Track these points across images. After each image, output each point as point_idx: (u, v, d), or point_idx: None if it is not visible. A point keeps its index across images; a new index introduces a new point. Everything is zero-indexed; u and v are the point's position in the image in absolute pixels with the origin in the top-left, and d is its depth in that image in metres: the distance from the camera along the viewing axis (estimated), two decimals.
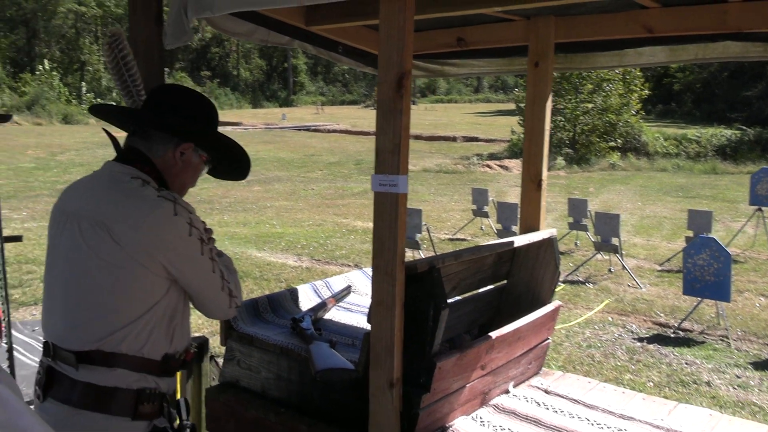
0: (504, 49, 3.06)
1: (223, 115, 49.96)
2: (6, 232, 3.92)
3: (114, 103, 2.13)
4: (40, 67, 45.21)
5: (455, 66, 3.29)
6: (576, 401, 2.56)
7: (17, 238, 4.19)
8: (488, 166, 24.64)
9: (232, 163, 2.02)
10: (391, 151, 1.98)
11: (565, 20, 2.74)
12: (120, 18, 59.92)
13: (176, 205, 1.72)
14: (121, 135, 1.88)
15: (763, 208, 10.58)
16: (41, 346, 1.82)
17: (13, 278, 7.82)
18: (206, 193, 16.46)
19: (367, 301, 2.95)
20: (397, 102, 1.96)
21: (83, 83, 50.91)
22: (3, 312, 4.02)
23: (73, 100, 45.46)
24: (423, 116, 48.37)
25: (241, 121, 43.93)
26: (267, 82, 74.82)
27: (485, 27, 2.97)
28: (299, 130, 39.55)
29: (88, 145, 27.19)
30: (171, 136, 1.82)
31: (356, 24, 2.85)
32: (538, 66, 2.78)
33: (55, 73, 45.25)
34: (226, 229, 12.02)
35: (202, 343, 2.87)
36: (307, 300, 2.89)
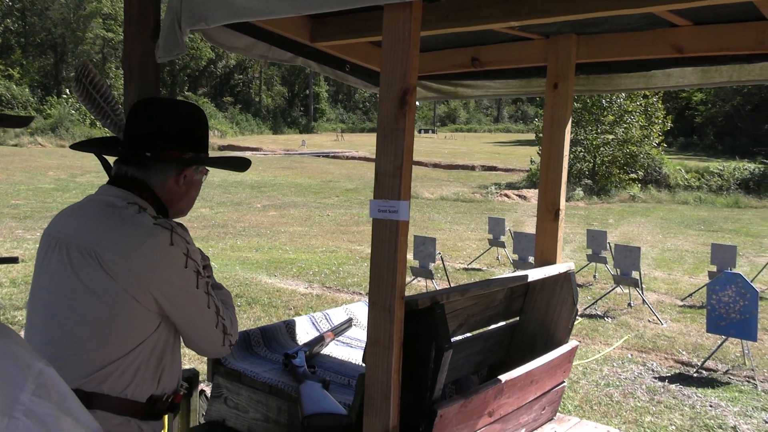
0: (521, 69, 2.88)
1: (244, 141, 50.51)
2: (18, 253, 3.79)
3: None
4: (67, 90, 45.92)
5: (470, 87, 3.12)
6: None
7: (13, 260, 4.06)
8: (506, 195, 24.42)
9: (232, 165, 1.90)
10: (392, 174, 1.80)
11: (587, 39, 2.56)
12: None
13: (173, 234, 1.58)
14: None
15: None
16: None
17: (18, 299, 7.71)
18: (221, 217, 16.37)
19: None
20: (400, 120, 1.79)
21: None
22: None
23: (97, 123, 46.04)
24: (442, 145, 48.40)
25: (260, 147, 44.22)
26: (288, 109, 75.50)
27: (501, 46, 2.80)
28: (318, 156, 39.69)
29: None
30: (172, 166, 1.69)
31: (363, 40, 2.69)
32: (557, 87, 2.60)
33: None
34: (239, 253, 11.88)
35: (192, 376, 2.68)
36: (303, 333, 2.69)
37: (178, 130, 1.71)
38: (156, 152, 1.67)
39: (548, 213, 2.65)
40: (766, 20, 2.17)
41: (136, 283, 1.52)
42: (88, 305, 1.53)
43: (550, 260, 2.63)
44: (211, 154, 1.79)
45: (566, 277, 2.50)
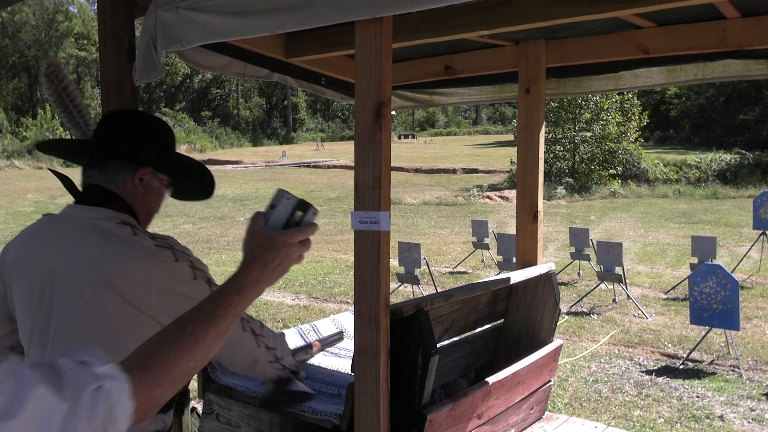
0: (494, 76, 2.94)
1: (224, 154, 50.34)
2: None
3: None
4: (41, 111, 45.60)
5: (444, 95, 3.17)
6: None
7: None
8: (488, 197, 24.55)
9: (194, 182, 1.86)
10: (371, 185, 1.84)
11: (556, 44, 2.62)
12: None
13: (174, 251, 1.58)
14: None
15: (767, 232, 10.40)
16: None
17: None
18: (204, 233, 16.31)
19: None
20: (377, 133, 1.83)
21: None
22: None
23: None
24: (423, 149, 48.54)
25: (241, 160, 44.09)
26: (267, 120, 75.38)
27: (473, 54, 2.85)
28: (299, 166, 39.69)
29: None
30: (127, 163, 1.66)
31: (337, 54, 2.73)
32: (529, 92, 2.65)
33: (56, 117, 45.58)
34: (224, 268, 11.84)
35: (182, 393, 2.70)
36: (292, 345, 2.71)
37: (140, 136, 1.69)
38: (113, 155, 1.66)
39: (527, 215, 2.70)
40: (726, 19, 2.24)
41: (159, 306, 1.53)
42: (113, 340, 1.50)
43: (531, 261, 2.68)
44: None
45: (547, 278, 2.55)
